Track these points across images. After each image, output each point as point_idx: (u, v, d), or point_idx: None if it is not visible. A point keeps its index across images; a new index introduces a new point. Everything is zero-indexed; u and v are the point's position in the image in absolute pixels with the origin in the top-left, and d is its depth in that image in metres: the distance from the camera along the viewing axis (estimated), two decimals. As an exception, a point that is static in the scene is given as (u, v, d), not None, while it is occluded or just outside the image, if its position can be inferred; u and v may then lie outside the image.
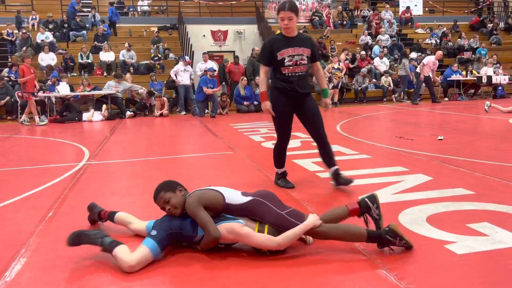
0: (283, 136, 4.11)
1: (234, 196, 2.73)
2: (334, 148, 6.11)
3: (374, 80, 15.42)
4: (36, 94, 10.94)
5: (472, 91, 14.89)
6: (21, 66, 10.55)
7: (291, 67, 3.84)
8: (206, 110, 11.82)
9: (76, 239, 2.58)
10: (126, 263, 2.42)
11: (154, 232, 2.60)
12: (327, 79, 13.62)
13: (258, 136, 7.61)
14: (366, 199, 2.76)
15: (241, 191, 2.82)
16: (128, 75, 13.41)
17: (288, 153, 5.83)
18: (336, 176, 4.04)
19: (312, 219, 2.58)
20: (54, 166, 5.50)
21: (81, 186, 4.43)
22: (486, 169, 4.58)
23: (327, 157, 4.09)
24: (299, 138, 7.23)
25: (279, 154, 4.21)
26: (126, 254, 2.45)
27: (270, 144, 6.64)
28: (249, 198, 2.71)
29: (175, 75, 12.24)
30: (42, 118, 10.81)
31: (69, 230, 3.13)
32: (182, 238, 2.68)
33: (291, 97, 3.90)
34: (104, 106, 11.56)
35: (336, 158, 5.48)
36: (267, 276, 2.36)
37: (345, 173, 4.62)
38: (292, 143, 6.66)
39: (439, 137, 6.54)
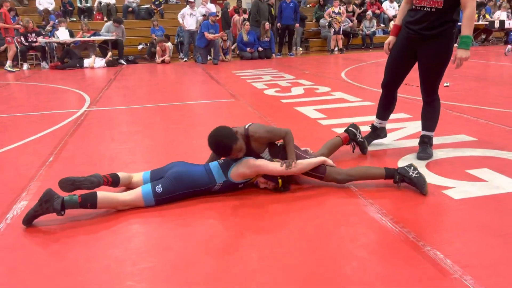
0: (383, 79, 3.41)
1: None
2: (338, 95, 6.05)
3: (382, 25, 14.94)
4: (15, 38, 10.69)
5: (484, 36, 14.43)
6: (1, 10, 10.28)
7: None
8: (209, 57, 11.58)
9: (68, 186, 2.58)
10: (119, 205, 2.51)
11: (159, 189, 2.54)
12: (327, 24, 13.19)
13: (261, 83, 7.50)
14: (351, 128, 3.32)
15: None
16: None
17: (290, 100, 5.82)
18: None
19: (323, 159, 2.81)
20: (55, 113, 5.48)
21: (81, 132, 4.43)
22: (490, 115, 4.51)
23: (423, 119, 3.34)
24: (302, 85, 7.12)
25: (378, 104, 3.58)
26: (117, 194, 2.51)
27: (273, 92, 6.55)
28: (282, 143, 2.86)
29: (182, 19, 11.89)
30: (10, 64, 10.49)
31: (69, 175, 3.17)
32: (198, 193, 2.65)
33: (410, 38, 3.12)
34: (109, 53, 11.35)
35: (340, 105, 5.46)
36: (264, 221, 2.38)
37: (348, 120, 4.58)
38: (295, 90, 6.57)
39: (445, 84, 6.40)
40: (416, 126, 4.15)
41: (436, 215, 2.40)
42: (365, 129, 3.77)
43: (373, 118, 4.59)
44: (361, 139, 3.34)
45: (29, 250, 2.14)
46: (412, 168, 2.68)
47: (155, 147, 3.86)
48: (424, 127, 3.31)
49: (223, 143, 2.58)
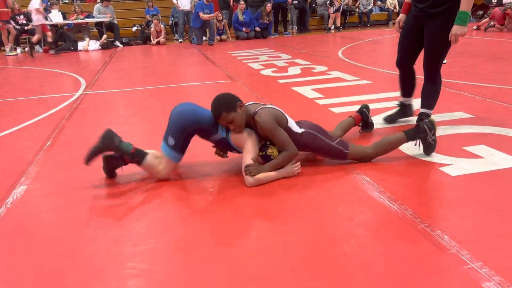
0: (396, 58, 3.44)
1: (292, 123, 2.75)
2: (335, 74, 6.02)
3: (379, 2, 14.76)
4: (10, 21, 10.53)
5: (481, 12, 14.29)
6: None
7: None
8: (204, 38, 11.46)
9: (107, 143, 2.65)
10: (157, 173, 2.68)
11: (171, 142, 2.64)
12: (328, 2, 13.04)
13: (257, 63, 7.44)
14: (364, 109, 3.34)
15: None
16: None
17: (286, 80, 5.79)
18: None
19: (291, 170, 2.66)
20: (51, 97, 5.44)
21: (78, 116, 4.41)
22: (488, 92, 4.51)
23: (422, 97, 3.33)
24: (299, 65, 7.07)
25: (399, 82, 3.56)
26: (156, 164, 2.66)
27: (270, 72, 6.51)
28: (302, 130, 2.74)
29: (176, 0, 11.70)
30: (9, 48, 10.40)
31: (67, 159, 3.18)
32: (202, 134, 2.70)
33: (417, 16, 3.15)
34: (104, 36, 11.20)
35: (337, 84, 5.44)
36: (263, 200, 2.40)
37: (345, 99, 4.58)
38: (292, 70, 6.53)
39: (443, 61, 6.36)
40: (415, 105, 4.14)
41: (433, 192, 2.42)
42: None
43: (370, 96, 4.60)
44: (371, 120, 3.39)
45: (30, 234, 2.16)
46: (432, 131, 2.77)
47: (152, 130, 3.85)
48: (422, 105, 3.31)
49: (215, 105, 2.59)
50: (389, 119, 3.63)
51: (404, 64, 3.41)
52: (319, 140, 2.74)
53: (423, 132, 2.78)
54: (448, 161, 2.77)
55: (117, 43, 11.50)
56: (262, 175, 2.55)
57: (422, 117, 3.27)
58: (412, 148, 3.02)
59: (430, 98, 3.28)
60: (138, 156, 2.66)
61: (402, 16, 3.35)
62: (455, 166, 2.69)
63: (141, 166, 2.70)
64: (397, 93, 4.62)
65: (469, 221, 2.07)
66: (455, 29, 2.91)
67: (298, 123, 2.82)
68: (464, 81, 5.09)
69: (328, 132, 2.87)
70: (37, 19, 10.12)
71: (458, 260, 1.77)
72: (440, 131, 3.32)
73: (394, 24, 4.77)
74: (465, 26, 2.90)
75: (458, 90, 4.68)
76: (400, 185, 2.49)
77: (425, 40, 3.14)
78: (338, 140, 2.79)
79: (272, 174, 2.60)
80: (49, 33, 10.39)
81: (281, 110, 2.76)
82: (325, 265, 1.79)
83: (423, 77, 3.31)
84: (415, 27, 3.19)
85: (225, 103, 2.57)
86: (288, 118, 2.75)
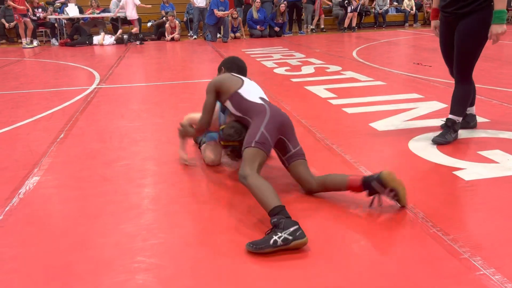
0: (450, 73, 3.30)
1: (250, 92, 2.49)
2: (349, 74, 5.97)
3: (395, 3, 14.61)
4: (27, 15, 10.69)
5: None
6: None
7: None
8: (218, 35, 11.47)
9: None
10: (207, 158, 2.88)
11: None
12: (346, 1, 12.95)
13: (270, 62, 7.42)
14: (376, 180, 2.18)
15: (266, 98, 2.56)
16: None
17: (300, 79, 5.77)
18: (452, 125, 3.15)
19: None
20: (65, 89, 5.50)
21: (92, 109, 4.44)
22: (504, 96, 4.43)
23: (452, 101, 3.17)
24: (313, 64, 7.03)
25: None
26: (209, 152, 2.87)
27: (283, 71, 6.49)
28: (254, 101, 2.44)
29: None
30: (28, 41, 10.61)
31: (80, 151, 3.20)
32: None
33: (447, 20, 3.06)
34: (120, 30, 11.28)
35: (350, 84, 5.40)
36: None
37: (359, 99, 4.54)
38: (306, 69, 6.50)
39: (475, 63, 6.27)
40: (428, 107, 4.10)
41: (446, 196, 2.38)
42: (374, 109, 3.72)
43: (384, 98, 4.56)
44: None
45: (41, 224, 2.18)
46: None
47: (164, 125, 3.87)
48: (452, 111, 3.14)
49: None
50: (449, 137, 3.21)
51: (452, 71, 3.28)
52: (256, 125, 2.31)
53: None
54: (462, 165, 2.73)
55: (136, 42, 11.61)
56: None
57: (448, 122, 3.14)
58: (425, 151, 2.99)
59: (460, 104, 3.12)
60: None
61: (435, 22, 3.28)
62: (469, 171, 2.65)
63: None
64: (412, 95, 4.59)
65: (482, 226, 2.04)
66: (494, 28, 2.81)
67: (264, 99, 2.49)
68: (481, 84, 5.01)
69: (294, 139, 2.42)
70: (131, 14, 11.14)
71: (470, 265, 1.74)
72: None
73: (410, 25, 4.60)
74: (504, 24, 2.80)
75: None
76: (412, 188, 2.45)
77: (455, 41, 3.03)
78: (264, 143, 2.23)
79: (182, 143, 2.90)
80: (137, 28, 11.21)
81: (241, 77, 2.61)
82: (333, 264, 1.78)
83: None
84: (447, 31, 3.09)
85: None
86: (249, 86, 2.52)
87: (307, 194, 2.40)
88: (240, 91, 2.50)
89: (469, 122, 3.40)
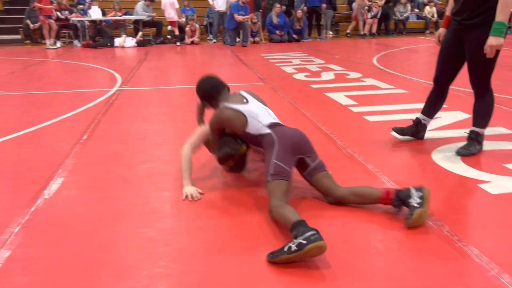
0: (434, 73, 3.28)
1: (256, 127, 2.45)
2: (369, 81, 5.93)
3: (416, 10, 14.46)
4: (52, 17, 10.91)
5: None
6: None
7: None
8: (237, 39, 11.52)
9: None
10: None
11: None
12: (366, 8, 12.88)
13: (290, 67, 7.42)
14: (403, 196, 2.21)
15: (273, 119, 2.51)
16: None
17: (320, 85, 5.75)
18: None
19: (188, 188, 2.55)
20: (88, 91, 5.58)
21: (114, 111, 4.50)
22: (531, 108, 4.34)
23: (473, 114, 3.13)
24: (332, 70, 7.01)
25: (427, 98, 3.38)
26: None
27: (303, 76, 6.47)
28: (267, 132, 2.41)
29: (212, 0, 11.81)
30: (51, 42, 10.85)
31: (102, 153, 3.24)
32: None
33: (456, 30, 3.00)
34: (140, 33, 11.43)
35: (371, 92, 5.36)
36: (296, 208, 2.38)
37: (380, 107, 4.50)
38: (325, 75, 6.48)
39: (491, 74, 6.17)
40: (452, 117, 4.04)
41: (472, 209, 2.34)
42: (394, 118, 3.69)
43: (406, 106, 4.51)
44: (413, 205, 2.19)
45: (66, 226, 2.21)
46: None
47: (185, 129, 3.88)
48: (474, 123, 3.10)
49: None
50: (399, 130, 3.42)
51: (441, 80, 3.23)
52: (267, 154, 2.36)
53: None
54: (487, 178, 2.67)
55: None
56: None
57: (471, 135, 3.10)
58: (449, 162, 2.94)
59: (482, 117, 3.07)
60: None
61: (442, 30, 3.21)
62: (495, 184, 2.59)
63: None
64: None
65: (510, 243, 1.99)
66: (490, 40, 2.73)
67: (273, 124, 2.46)
68: (505, 95, 4.92)
69: (314, 158, 2.40)
70: (170, 16, 11.54)
71: (498, 283, 1.70)
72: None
73: (431, 33, 4.54)
74: (501, 37, 2.72)
75: (499, 104, 4.50)
76: (436, 200, 2.41)
77: (466, 55, 2.99)
78: (279, 165, 2.26)
79: (184, 168, 2.60)
80: (176, 28, 11.64)
81: (241, 111, 2.47)
82: (355, 277, 1.76)
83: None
84: (454, 41, 3.05)
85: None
86: (253, 119, 2.45)
87: (334, 204, 2.35)
88: (247, 130, 2.47)
89: (419, 131, 3.39)
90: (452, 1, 3.05)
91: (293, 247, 1.80)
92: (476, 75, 3.01)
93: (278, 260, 1.82)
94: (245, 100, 2.58)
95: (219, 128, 2.61)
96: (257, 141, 2.46)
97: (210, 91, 2.73)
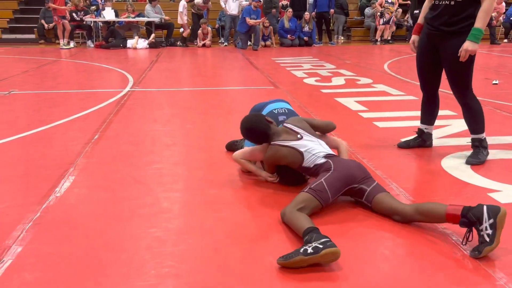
0: (419, 83, 3.34)
1: (311, 160, 2.47)
2: (380, 87, 5.92)
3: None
4: (66, 17, 11.07)
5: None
6: None
7: None
8: (249, 43, 11.56)
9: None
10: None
11: None
12: (378, 14, 12.86)
13: (300, 71, 7.43)
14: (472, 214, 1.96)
15: (327, 151, 2.53)
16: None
17: (330, 90, 5.75)
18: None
19: (266, 175, 2.75)
20: (100, 91, 5.65)
21: (125, 112, 4.55)
22: (543, 118, 4.30)
23: (466, 123, 3.15)
24: (343, 75, 7.00)
25: (421, 107, 3.42)
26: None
27: (313, 81, 6.48)
28: (324, 161, 2.42)
29: (224, 4, 11.89)
30: (65, 42, 11.03)
31: (113, 153, 3.28)
32: None
33: (430, 36, 3.02)
34: (153, 35, 11.54)
35: (382, 98, 5.35)
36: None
37: (390, 114, 4.49)
38: (336, 81, 6.48)
39: (494, 81, 6.14)
40: (461, 125, 4.00)
41: (481, 218, 2.32)
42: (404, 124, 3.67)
43: (415, 113, 4.48)
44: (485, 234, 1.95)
45: (76, 224, 2.24)
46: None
47: (195, 131, 3.92)
48: (470, 131, 3.14)
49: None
50: (404, 145, 3.40)
51: (427, 87, 3.27)
52: (322, 173, 2.37)
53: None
54: (498, 187, 2.66)
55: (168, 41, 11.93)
56: (242, 161, 2.80)
57: (474, 143, 3.10)
58: (458, 170, 2.93)
59: (475, 123, 3.08)
60: None
61: (414, 37, 3.21)
62: (505, 193, 2.57)
63: None
64: (445, 112, 4.50)
65: (519, 252, 1.97)
66: (467, 44, 2.78)
67: (329, 155, 2.47)
68: (517, 104, 4.89)
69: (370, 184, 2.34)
70: (182, 19, 11.73)
71: (505, 293, 1.69)
72: (490, 155, 3.19)
73: None
74: (477, 44, 2.78)
75: (510, 113, 4.49)
76: (445, 208, 2.41)
77: (443, 63, 3.01)
78: (327, 189, 2.26)
79: (252, 167, 2.80)
80: (187, 31, 11.85)
81: (300, 149, 2.49)
82: (364, 285, 1.76)
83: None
84: (428, 46, 3.06)
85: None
86: (309, 154, 2.47)
87: (403, 223, 2.21)
88: (304, 165, 2.49)
89: (425, 141, 3.39)
90: (426, 8, 3.08)
91: (309, 250, 1.82)
92: (455, 82, 3.03)
93: (291, 262, 1.83)
94: (299, 136, 2.58)
95: (275, 163, 2.65)
96: (314, 171, 2.46)
97: (259, 138, 2.65)
